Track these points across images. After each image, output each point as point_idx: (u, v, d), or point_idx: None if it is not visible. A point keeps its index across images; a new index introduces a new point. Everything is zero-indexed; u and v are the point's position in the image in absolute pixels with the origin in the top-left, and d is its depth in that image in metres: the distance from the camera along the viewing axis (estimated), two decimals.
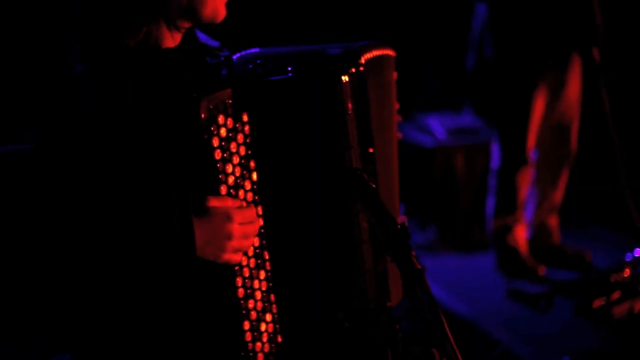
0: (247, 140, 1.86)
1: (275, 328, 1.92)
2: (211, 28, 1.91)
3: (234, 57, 1.98)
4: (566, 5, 4.32)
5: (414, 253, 1.76)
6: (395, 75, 2.15)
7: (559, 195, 4.74)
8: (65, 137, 1.74)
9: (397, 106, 2.16)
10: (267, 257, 1.91)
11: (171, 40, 1.87)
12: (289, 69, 1.91)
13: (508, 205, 4.65)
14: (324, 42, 2.08)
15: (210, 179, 1.80)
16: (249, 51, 2.02)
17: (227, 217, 1.79)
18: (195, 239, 1.75)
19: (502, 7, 4.43)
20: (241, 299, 1.85)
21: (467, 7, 4.79)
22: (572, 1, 4.32)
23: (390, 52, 2.11)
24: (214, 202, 1.79)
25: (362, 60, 1.97)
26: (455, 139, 5.35)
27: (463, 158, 5.29)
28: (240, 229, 1.81)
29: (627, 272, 4.13)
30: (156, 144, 1.75)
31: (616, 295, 4.03)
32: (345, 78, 1.93)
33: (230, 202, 1.81)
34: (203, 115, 1.76)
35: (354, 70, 1.95)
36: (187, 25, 1.87)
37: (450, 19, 5.66)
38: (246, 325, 1.86)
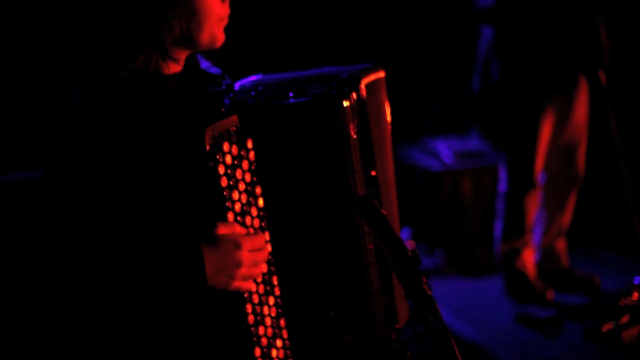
0: (252, 167, 1.86)
1: (286, 354, 1.91)
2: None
3: (236, 85, 1.98)
4: (572, 29, 4.33)
5: (425, 280, 1.76)
6: (386, 96, 2.16)
7: (567, 218, 4.73)
8: (71, 174, 1.74)
9: (389, 126, 2.17)
10: (275, 282, 1.91)
11: (168, 68, 1.85)
12: (291, 94, 1.91)
13: (516, 228, 4.64)
14: (325, 64, 2.10)
15: (217, 206, 1.79)
16: (250, 78, 2.04)
17: (236, 245, 1.78)
18: (206, 267, 1.75)
19: (508, 31, 4.44)
20: (252, 325, 1.85)
21: (473, 31, 4.81)
22: (578, 24, 4.32)
23: (382, 74, 2.13)
24: (222, 230, 1.78)
25: (362, 85, 1.98)
26: (463, 163, 5.34)
27: (470, 182, 5.28)
28: (249, 257, 1.80)
29: (635, 296, 4.11)
30: (161, 175, 1.75)
31: (625, 319, 4.02)
32: (346, 103, 1.94)
33: (238, 229, 1.81)
34: (208, 144, 1.76)
35: (355, 95, 1.96)
36: (184, 54, 1.87)
37: (456, 43, 5.67)
38: (257, 352, 1.86)
